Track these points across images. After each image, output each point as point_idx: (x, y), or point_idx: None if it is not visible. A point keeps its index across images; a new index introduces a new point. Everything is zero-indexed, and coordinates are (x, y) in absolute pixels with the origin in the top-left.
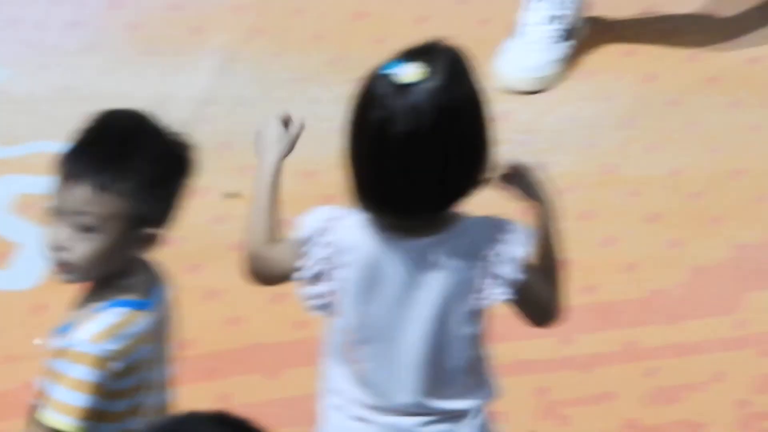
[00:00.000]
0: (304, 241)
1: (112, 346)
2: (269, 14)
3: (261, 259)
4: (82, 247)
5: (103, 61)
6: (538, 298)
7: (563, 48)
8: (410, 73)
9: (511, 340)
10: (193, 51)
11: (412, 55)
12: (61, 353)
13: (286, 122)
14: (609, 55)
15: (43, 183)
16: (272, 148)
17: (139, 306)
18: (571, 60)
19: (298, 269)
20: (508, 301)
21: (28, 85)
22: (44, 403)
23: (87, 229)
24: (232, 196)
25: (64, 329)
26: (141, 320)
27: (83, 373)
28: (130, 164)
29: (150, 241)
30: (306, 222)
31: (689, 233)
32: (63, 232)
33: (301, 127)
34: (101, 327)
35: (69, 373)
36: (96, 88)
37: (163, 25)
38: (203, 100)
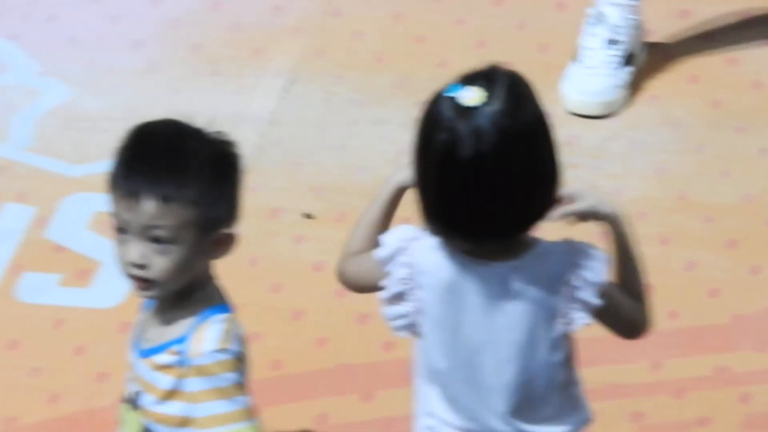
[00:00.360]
0: (385, 261)
1: (236, 348)
2: (328, 36)
3: (347, 266)
4: (161, 262)
5: (168, 80)
6: (623, 316)
7: (624, 73)
8: (472, 96)
9: (599, 364)
10: (257, 72)
11: (472, 78)
12: (198, 371)
13: None
14: (672, 81)
15: None
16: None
17: (230, 309)
18: (633, 85)
19: (381, 289)
20: (592, 323)
21: (95, 105)
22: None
23: (161, 242)
24: (309, 216)
25: (163, 347)
26: (237, 320)
27: (231, 378)
28: (187, 170)
29: (225, 242)
30: (386, 241)
31: None
32: (135, 250)
33: None
34: (219, 334)
35: (220, 384)
36: (163, 107)
37: (224, 45)
38: (271, 121)
